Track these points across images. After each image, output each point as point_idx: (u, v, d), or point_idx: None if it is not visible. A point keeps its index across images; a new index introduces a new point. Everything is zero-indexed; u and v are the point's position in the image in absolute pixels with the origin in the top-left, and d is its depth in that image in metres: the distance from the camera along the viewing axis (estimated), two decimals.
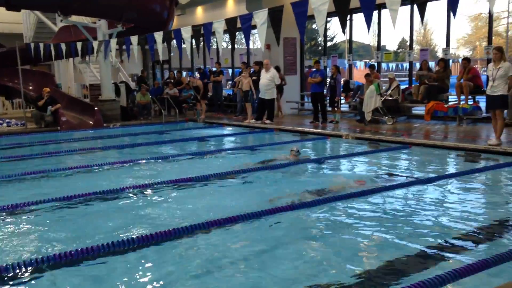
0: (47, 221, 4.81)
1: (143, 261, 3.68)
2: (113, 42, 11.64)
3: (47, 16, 17.30)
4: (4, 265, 3.48)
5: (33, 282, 3.37)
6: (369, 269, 3.44)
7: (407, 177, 6.30)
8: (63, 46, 12.91)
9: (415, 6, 11.40)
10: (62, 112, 13.05)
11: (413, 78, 13.34)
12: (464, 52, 42.74)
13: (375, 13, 13.77)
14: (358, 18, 14.37)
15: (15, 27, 19.42)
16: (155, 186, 6.00)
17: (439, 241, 3.96)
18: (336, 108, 12.42)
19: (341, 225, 4.45)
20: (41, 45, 13.32)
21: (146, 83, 17.25)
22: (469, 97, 10.99)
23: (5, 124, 13.48)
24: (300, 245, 3.99)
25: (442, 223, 4.44)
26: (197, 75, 17.52)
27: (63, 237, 4.29)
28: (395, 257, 3.63)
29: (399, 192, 5.56)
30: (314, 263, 3.60)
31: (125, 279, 3.40)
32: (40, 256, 3.64)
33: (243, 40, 25.51)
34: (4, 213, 4.97)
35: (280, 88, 13.66)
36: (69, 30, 16.01)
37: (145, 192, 5.79)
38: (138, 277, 3.41)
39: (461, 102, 10.90)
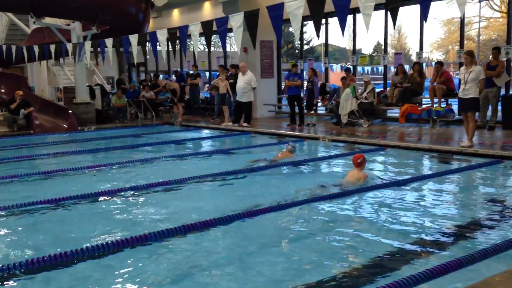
0: (21, 227, 4.71)
1: (120, 266, 3.64)
2: (88, 44, 11.48)
3: (19, 18, 16.95)
4: None
5: None
6: (344, 269, 3.47)
7: (382, 178, 6.38)
8: (36, 48, 12.67)
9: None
10: (35, 115, 12.79)
11: (388, 81, 13.55)
12: (437, 55, 43.68)
13: (350, 17, 13.94)
14: (334, 22, 14.53)
15: None
16: (131, 190, 5.94)
17: (413, 241, 4.03)
18: (313, 111, 12.51)
19: (318, 226, 4.49)
20: (14, 47, 13.03)
21: (125, 85, 17.03)
22: (442, 100, 11.22)
23: None
24: (278, 246, 4.00)
25: (417, 224, 4.52)
26: (173, 78, 17.42)
27: (37, 242, 4.21)
28: (371, 257, 3.67)
29: (375, 194, 5.62)
30: (292, 264, 3.61)
31: (102, 284, 3.35)
32: (12, 262, 3.55)
33: (220, 43, 25.51)
34: None
35: None
36: (43, 32, 15.72)
37: (121, 196, 5.72)
38: (115, 282, 3.37)
39: (435, 105, 11.11)
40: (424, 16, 5.31)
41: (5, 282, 3.36)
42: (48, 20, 13.89)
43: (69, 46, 12.01)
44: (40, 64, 17.79)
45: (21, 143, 10.69)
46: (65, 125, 13.04)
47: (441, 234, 4.21)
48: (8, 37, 18.33)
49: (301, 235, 4.29)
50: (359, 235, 4.21)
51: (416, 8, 12.17)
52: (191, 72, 16.40)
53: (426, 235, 4.18)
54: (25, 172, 7.11)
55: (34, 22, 13.75)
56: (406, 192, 5.75)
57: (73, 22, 14.05)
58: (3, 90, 14.90)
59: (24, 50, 12.72)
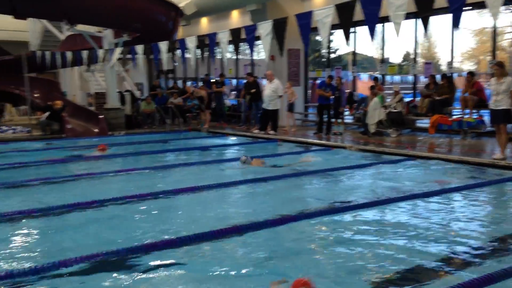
0: (49, 228, 4.83)
1: (147, 268, 3.68)
2: (118, 51, 11.72)
3: (53, 25, 17.45)
4: None
5: None
6: (371, 282, 3.42)
7: (411, 189, 6.28)
8: (69, 54, 13.00)
9: (419, 20, 11.47)
10: (67, 120, 13.12)
11: (417, 91, 13.37)
12: (468, 66, 42.77)
13: (379, 25, 13.83)
14: (362, 31, 14.44)
15: (21, 35, 19.55)
16: (158, 194, 6.02)
17: (443, 255, 3.94)
18: (340, 120, 12.43)
19: (343, 237, 4.43)
20: (47, 53, 13.42)
21: (159, 90, 17.22)
22: (474, 110, 11.00)
23: (11, 131, 13.55)
24: (300, 257, 3.98)
25: (446, 237, 4.42)
26: (200, 84, 17.61)
27: (67, 244, 4.29)
28: (399, 270, 3.61)
29: (403, 205, 5.54)
30: (313, 277, 3.58)
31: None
32: (44, 263, 3.63)
33: (247, 51, 25.60)
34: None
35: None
36: (75, 39, 16.13)
37: (147, 200, 5.79)
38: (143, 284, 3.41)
39: (466, 116, 10.90)
40: (455, 24, 5.24)
41: (35, 283, 3.44)
42: (80, 27, 14.27)
43: (101, 53, 12.28)
44: (72, 70, 18.25)
45: (53, 147, 10.97)
46: (96, 130, 13.33)
47: (472, 248, 4.10)
48: (42, 44, 18.87)
49: (323, 246, 4.25)
50: (383, 247, 4.14)
51: (446, 18, 11.98)
52: (217, 78, 16.56)
53: (455, 249, 4.07)
54: (53, 175, 7.30)
55: (68, 29, 14.13)
56: (435, 204, 5.63)
57: (105, 30, 14.38)
58: (37, 95, 15.33)
59: (58, 56, 13.07)
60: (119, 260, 3.81)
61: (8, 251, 4.12)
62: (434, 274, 3.55)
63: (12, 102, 16.91)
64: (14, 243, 4.36)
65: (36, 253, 4.07)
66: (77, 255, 3.77)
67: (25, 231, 4.72)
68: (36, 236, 4.65)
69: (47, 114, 13.03)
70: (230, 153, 10.69)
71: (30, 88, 13.62)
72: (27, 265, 3.68)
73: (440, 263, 3.75)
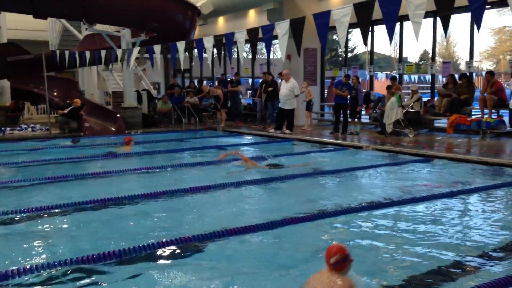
0: (65, 225, 4.90)
1: (160, 267, 3.71)
2: (136, 50, 11.80)
3: (72, 24, 17.66)
4: None
5: None
6: (387, 284, 3.39)
7: (428, 190, 6.21)
8: (87, 53, 13.15)
9: (438, 19, 11.33)
10: (85, 118, 13.28)
11: (435, 90, 13.22)
12: (488, 65, 42.07)
13: (397, 24, 13.69)
14: (380, 30, 14.32)
15: (41, 35, 19.84)
16: (172, 193, 6.05)
17: (461, 256, 3.89)
18: (356, 119, 12.34)
19: (360, 237, 4.41)
20: (66, 53, 13.58)
21: (179, 89, 17.33)
22: (493, 111, 10.83)
23: (30, 129, 13.77)
24: (316, 257, 3.96)
25: (464, 238, 4.37)
26: (216, 83, 17.66)
27: (82, 242, 4.35)
28: (416, 271, 3.58)
29: (420, 206, 5.48)
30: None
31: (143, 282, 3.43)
32: (64, 259, 3.69)
33: (263, 50, 25.57)
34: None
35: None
36: (94, 38, 16.30)
37: (161, 199, 5.83)
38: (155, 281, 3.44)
39: (485, 116, 10.73)
40: (477, 25, 5.15)
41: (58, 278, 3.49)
42: (99, 27, 14.40)
43: (119, 52, 12.39)
44: (91, 69, 18.45)
45: (71, 145, 11.11)
46: (113, 129, 13.47)
47: (490, 249, 4.04)
48: (61, 43, 19.10)
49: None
50: (400, 248, 4.10)
51: (465, 16, 11.81)
52: (232, 78, 16.60)
53: (474, 250, 4.02)
54: (73, 173, 7.39)
55: (86, 29, 14.29)
56: (453, 205, 5.56)
57: (123, 29, 14.51)
58: (55, 94, 15.55)
59: (76, 55, 13.22)
60: (140, 255, 3.85)
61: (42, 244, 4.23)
62: (453, 275, 3.51)
63: (31, 101, 17.20)
64: (49, 236, 4.48)
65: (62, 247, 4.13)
66: (101, 251, 3.82)
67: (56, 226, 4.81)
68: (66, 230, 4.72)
69: (69, 108, 13.20)
70: (246, 152, 10.69)
71: (49, 87, 13.81)
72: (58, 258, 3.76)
73: (458, 265, 3.70)
